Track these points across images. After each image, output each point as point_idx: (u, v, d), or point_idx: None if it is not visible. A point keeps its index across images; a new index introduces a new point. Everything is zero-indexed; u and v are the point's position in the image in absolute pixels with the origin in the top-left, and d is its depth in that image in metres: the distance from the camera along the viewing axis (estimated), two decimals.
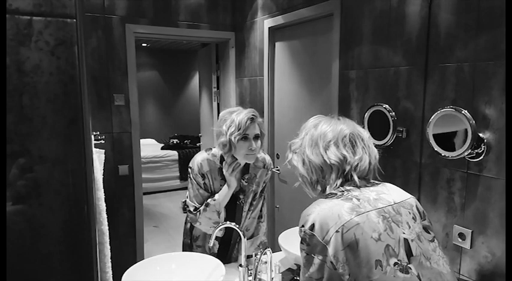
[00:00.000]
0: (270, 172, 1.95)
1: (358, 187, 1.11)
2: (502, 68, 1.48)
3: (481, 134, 1.55)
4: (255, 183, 1.87)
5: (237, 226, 1.59)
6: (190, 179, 1.83)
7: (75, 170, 0.80)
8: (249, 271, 1.56)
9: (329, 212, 1.01)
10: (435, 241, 1.10)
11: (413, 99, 1.86)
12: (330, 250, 0.97)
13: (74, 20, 0.76)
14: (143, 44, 7.40)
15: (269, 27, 3.09)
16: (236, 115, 1.70)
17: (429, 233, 1.09)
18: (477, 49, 1.57)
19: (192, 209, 1.83)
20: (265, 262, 1.59)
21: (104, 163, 1.75)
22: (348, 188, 1.10)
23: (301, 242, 1.06)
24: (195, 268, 1.65)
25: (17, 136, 0.74)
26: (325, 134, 1.14)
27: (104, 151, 1.73)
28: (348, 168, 1.12)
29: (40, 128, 0.76)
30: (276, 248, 1.86)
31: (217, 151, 1.81)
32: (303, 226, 1.05)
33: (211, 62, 4.25)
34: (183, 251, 2.01)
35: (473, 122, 1.55)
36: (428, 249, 1.05)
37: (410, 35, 1.86)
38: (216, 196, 1.80)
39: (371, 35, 2.11)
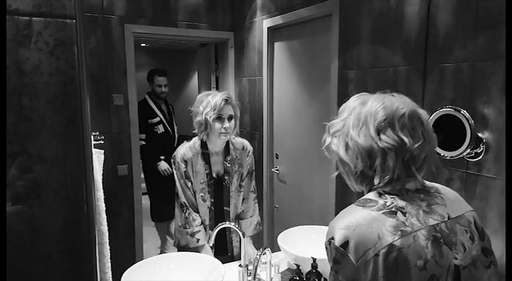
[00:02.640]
0: (250, 153, 2.06)
1: (406, 192, 0.89)
2: (501, 68, 1.48)
3: (479, 134, 1.55)
4: (237, 163, 1.99)
5: (236, 225, 1.59)
6: (174, 170, 1.94)
7: (74, 170, 0.80)
8: (249, 271, 1.57)
9: (367, 230, 0.82)
10: (492, 266, 0.93)
11: (412, 99, 1.86)
12: (368, 275, 0.81)
13: (74, 21, 0.76)
14: (142, 44, 7.39)
15: (268, 27, 3.09)
16: (212, 97, 1.84)
17: (487, 257, 0.92)
18: (476, 49, 1.57)
19: (178, 204, 1.94)
20: (265, 262, 1.59)
21: (103, 163, 1.75)
22: (392, 193, 0.89)
23: (329, 257, 0.88)
24: (195, 268, 1.65)
25: (16, 137, 0.74)
26: (377, 112, 0.90)
27: (103, 151, 1.72)
28: (407, 156, 0.88)
29: (40, 129, 0.76)
30: (275, 248, 1.86)
31: (196, 138, 1.95)
32: (332, 239, 0.86)
33: (210, 62, 4.25)
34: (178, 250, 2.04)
35: (472, 122, 1.55)
36: (483, 278, 0.89)
37: (409, 35, 1.87)
38: (198, 235, 1.90)
39: (370, 35, 2.11)
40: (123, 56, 3.20)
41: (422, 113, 0.94)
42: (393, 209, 0.85)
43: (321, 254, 1.60)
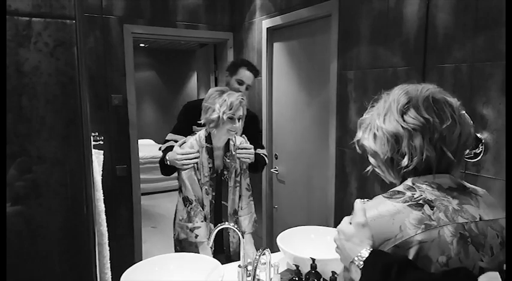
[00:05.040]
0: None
1: (438, 188, 0.85)
2: (500, 68, 1.48)
3: (478, 135, 1.55)
4: (236, 159, 2.06)
5: (235, 225, 1.59)
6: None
7: (74, 170, 0.80)
8: (248, 272, 1.57)
9: (389, 221, 0.81)
10: None
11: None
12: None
13: (73, 21, 0.76)
14: (141, 45, 7.39)
15: (267, 28, 3.09)
16: (228, 96, 1.90)
17: None
18: (475, 50, 1.58)
19: (181, 198, 1.99)
20: (264, 263, 1.59)
21: (103, 163, 1.75)
22: (424, 186, 0.86)
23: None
24: (194, 268, 1.65)
25: (16, 137, 0.74)
26: (400, 97, 0.91)
27: (102, 151, 1.73)
28: (436, 136, 0.85)
29: (39, 129, 0.76)
30: (274, 248, 1.86)
31: (202, 133, 2.01)
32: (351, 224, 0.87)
33: (209, 62, 4.24)
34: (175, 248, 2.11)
35: (471, 122, 1.56)
36: None
37: (408, 35, 1.87)
38: (197, 231, 1.94)
39: (369, 36, 2.11)
40: (122, 57, 3.20)
41: (450, 98, 0.93)
42: (420, 201, 0.83)
43: (320, 255, 1.60)
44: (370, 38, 2.11)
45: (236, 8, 3.55)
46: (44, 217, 0.79)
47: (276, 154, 3.23)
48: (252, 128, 2.33)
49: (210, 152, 1.99)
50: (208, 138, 1.99)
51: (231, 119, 1.91)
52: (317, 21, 2.65)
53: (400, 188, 0.89)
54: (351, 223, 0.87)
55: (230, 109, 1.88)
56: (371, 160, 0.98)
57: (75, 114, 0.79)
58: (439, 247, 0.78)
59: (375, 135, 0.93)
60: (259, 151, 2.27)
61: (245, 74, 2.44)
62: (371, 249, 0.81)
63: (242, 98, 1.95)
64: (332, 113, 2.45)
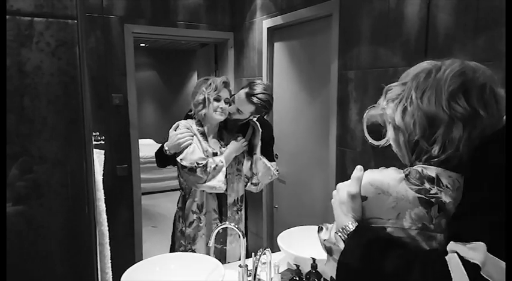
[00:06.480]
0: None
1: (458, 184, 0.75)
2: (501, 68, 1.48)
3: None
4: None
5: (236, 226, 1.59)
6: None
7: (75, 171, 0.80)
8: (248, 271, 1.57)
9: (392, 202, 0.76)
10: None
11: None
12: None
13: (75, 21, 0.76)
14: (141, 44, 7.39)
15: (268, 28, 3.10)
16: (212, 80, 2.05)
17: None
18: (476, 50, 1.58)
19: (186, 171, 1.95)
20: (264, 262, 1.59)
21: (104, 163, 1.75)
22: (444, 183, 0.76)
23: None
24: (194, 268, 1.65)
25: (17, 137, 0.74)
26: (453, 78, 0.79)
27: (103, 151, 1.72)
28: (477, 130, 0.76)
29: (41, 129, 0.76)
30: (275, 248, 1.86)
31: (191, 120, 2.10)
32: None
33: (209, 62, 4.25)
34: (171, 243, 2.15)
35: None
36: None
37: (409, 35, 1.87)
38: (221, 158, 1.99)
39: (370, 36, 2.11)
40: (122, 56, 3.20)
41: (503, 95, 0.80)
42: (432, 200, 0.74)
43: (321, 255, 1.60)
44: (370, 38, 2.11)
45: (237, 7, 3.55)
46: (45, 217, 0.79)
47: (276, 154, 3.22)
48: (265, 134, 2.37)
49: (203, 135, 2.05)
50: (200, 124, 2.07)
51: (217, 100, 2.01)
52: (318, 21, 2.65)
53: (423, 172, 0.78)
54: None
55: (215, 90, 2.00)
56: (390, 132, 0.87)
57: (77, 114, 0.79)
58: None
59: (405, 110, 0.82)
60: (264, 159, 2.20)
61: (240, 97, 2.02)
62: (356, 223, 0.79)
63: (226, 81, 2.06)
64: (332, 113, 2.45)
